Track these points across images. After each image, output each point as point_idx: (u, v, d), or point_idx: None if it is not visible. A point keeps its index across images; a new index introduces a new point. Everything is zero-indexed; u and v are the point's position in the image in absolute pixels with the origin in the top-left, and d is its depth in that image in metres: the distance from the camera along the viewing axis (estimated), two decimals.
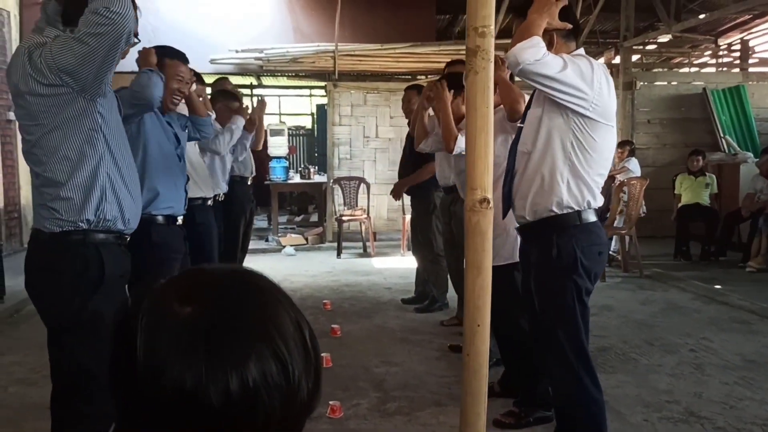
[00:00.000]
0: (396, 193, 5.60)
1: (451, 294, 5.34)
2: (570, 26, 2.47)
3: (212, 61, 8.37)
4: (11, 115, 7.98)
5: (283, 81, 12.83)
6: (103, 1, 1.96)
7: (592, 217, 2.49)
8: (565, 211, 2.44)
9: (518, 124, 2.68)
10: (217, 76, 7.02)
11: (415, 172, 5.33)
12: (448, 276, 5.17)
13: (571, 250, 2.43)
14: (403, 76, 9.18)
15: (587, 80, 2.32)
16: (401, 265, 7.56)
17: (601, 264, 2.61)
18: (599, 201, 2.52)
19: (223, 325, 0.67)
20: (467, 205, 1.52)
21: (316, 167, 10.71)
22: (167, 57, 3.19)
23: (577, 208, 2.45)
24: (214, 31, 7.99)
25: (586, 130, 2.38)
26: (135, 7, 2.24)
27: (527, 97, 2.76)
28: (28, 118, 2.14)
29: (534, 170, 2.48)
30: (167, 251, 3.11)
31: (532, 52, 2.23)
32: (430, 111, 4.53)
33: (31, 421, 3.45)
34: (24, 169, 8.34)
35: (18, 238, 8.18)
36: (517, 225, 2.71)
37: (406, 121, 5.54)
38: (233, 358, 0.66)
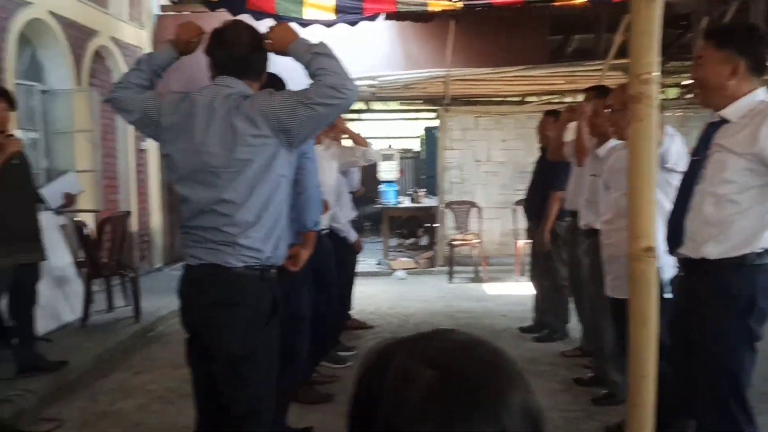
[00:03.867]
0: (543, 244, 5.24)
1: (573, 323, 5.23)
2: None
3: None
4: (143, 145, 8.55)
5: (393, 105, 13.06)
6: (339, 78, 2.18)
7: None
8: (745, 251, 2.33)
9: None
10: None
11: (542, 193, 5.25)
12: (570, 305, 5.05)
13: (750, 291, 2.31)
14: (514, 99, 9.13)
15: None
16: (515, 291, 7.45)
17: None
18: None
19: (462, 395, 0.70)
20: (631, 253, 1.50)
21: (425, 190, 10.77)
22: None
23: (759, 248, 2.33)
24: None
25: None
26: (261, 38, 2.39)
27: None
28: (224, 166, 2.26)
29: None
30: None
31: None
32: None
33: None
34: (155, 196, 8.90)
35: (148, 260, 8.71)
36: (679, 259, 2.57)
37: (539, 146, 5.50)
38: (464, 427, 0.69)
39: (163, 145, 2.40)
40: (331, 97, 2.17)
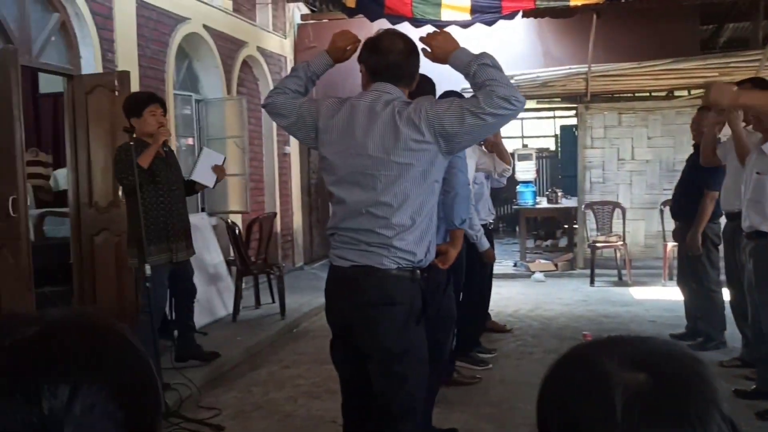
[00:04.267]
0: (694, 247, 4.90)
1: (731, 332, 4.89)
2: None
3: (464, 90, 8.59)
4: (287, 149, 8.92)
5: (528, 104, 12.81)
6: (510, 90, 2.20)
7: None
8: None
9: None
10: None
11: (690, 192, 4.96)
12: (725, 311, 4.73)
13: None
14: (660, 94, 8.67)
15: None
16: (663, 296, 7.07)
17: None
18: None
19: (673, 401, 0.68)
20: None
21: (563, 190, 10.47)
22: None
23: None
24: None
25: None
26: (414, 46, 2.43)
27: None
28: (383, 168, 2.33)
29: None
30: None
31: None
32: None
33: None
34: (296, 197, 9.27)
35: (291, 258, 9.08)
36: None
37: (692, 143, 5.21)
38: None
39: (320, 148, 2.47)
40: (503, 108, 2.18)
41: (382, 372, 2.38)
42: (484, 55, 2.28)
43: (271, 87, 8.54)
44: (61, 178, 7.28)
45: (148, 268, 3.96)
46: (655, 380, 0.69)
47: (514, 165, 9.25)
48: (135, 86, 5.67)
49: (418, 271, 2.40)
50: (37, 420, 0.58)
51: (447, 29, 6.97)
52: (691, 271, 5.08)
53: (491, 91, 2.19)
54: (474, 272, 4.63)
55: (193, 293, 4.82)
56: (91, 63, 5.38)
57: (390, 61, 2.39)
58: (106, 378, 0.63)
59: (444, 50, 2.35)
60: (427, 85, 2.93)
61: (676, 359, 0.72)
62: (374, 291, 2.34)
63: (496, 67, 2.25)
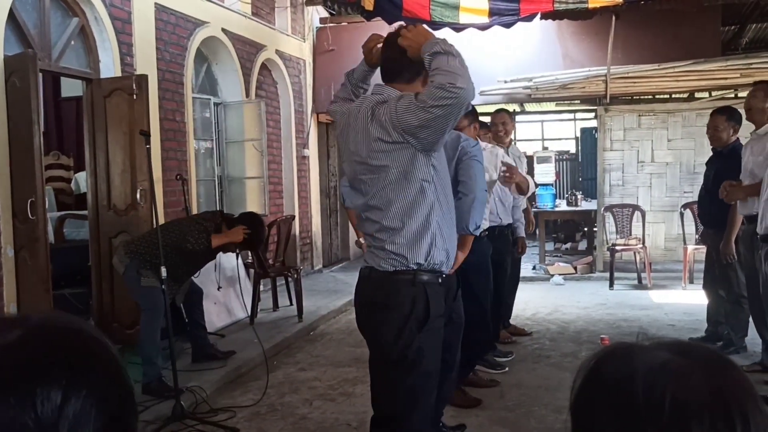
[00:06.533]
0: (728, 255, 4.76)
1: (751, 336, 4.82)
2: None
3: (481, 93, 8.57)
4: (305, 152, 8.95)
5: (547, 107, 12.73)
6: (448, 77, 2.08)
7: None
8: None
9: None
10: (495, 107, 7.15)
11: (721, 202, 4.87)
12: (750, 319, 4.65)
13: None
14: (681, 96, 8.57)
15: None
16: (684, 299, 6.97)
17: None
18: None
19: (737, 407, 0.68)
20: None
21: (582, 193, 10.38)
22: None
23: None
24: (485, 63, 8.15)
25: None
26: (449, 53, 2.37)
27: None
28: (368, 173, 2.33)
29: None
30: None
31: None
32: None
33: None
34: (315, 200, 9.29)
35: (309, 261, 9.10)
36: None
37: (711, 147, 5.12)
38: None
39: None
40: (442, 98, 2.08)
41: (375, 373, 2.42)
42: (435, 42, 2.18)
43: (290, 90, 8.65)
44: (82, 181, 7.37)
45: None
46: (725, 384, 0.70)
47: (532, 167, 9.24)
48: (153, 89, 5.73)
49: (425, 275, 2.34)
50: (32, 423, 0.58)
51: (464, 32, 6.98)
52: (721, 277, 4.98)
53: (431, 81, 2.13)
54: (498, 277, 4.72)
55: (199, 292, 4.98)
56: (110, 67, 5.44)
57: (386, 60, 2.39)
58: (93, 380, 0.63)
59: (416, 44, 2.23)
60: None
61: (733, 365, 0.74)
62: (373, 292, 2.38)
63: (448, 53, 2.13)
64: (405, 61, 2.33)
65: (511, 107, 11.06)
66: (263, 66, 8.06)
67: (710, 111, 5.14)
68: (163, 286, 3.96)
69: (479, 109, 7.84)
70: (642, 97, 8.90)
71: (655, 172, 8.53)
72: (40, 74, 4.62)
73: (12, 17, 4.63)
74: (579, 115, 14.90)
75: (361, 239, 2.72)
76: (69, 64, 5.30)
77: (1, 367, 0.61)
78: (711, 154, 5.16)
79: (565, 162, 14.59)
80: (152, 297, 4.20)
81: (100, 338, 0.69)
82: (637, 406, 0.69)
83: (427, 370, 2.37)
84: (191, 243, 4.32)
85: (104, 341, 0.69)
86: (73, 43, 5.31)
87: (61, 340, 0.65)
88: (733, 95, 8.39)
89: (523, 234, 5.56)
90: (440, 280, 2.41)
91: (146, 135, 4.14)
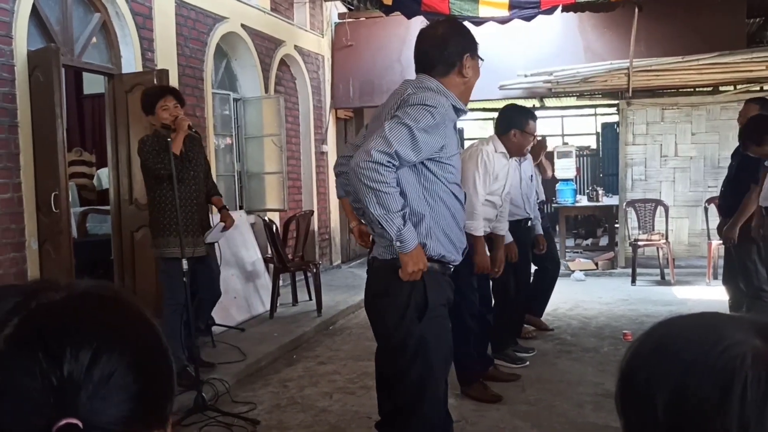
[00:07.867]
0: (729, 238, 4.81)
1: None
2: None
3: (501, 87, 8.51)
4: (324, 148, 8.95)
5: (568, 101, 12.61)
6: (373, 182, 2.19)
7: None
8: None
9: None
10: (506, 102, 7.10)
11: (738, 188, 4.81)
12: None
13: None
14: (705, 89, 8.43)
15: None
16: (707, 295, 6.89)
17: None
18: None
19: None
20: None
21: (603, 189, 10.28)
22: None
23: None
24: (504, 57, 8.09)
25: None
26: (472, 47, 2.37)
27: None
28: None
29: None
30: None
31: None
32: None
33: (354, 428, 3.77)
34: (334, 196, 9.28)
35: (328, 257, 9.11)
36: None
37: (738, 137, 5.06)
38: None
39: None
40: (372, 166, 2.19)
41: (384, 362, 2.43)
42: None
43: (309, 86, 8.65)
44: (104, 177, 7.43)
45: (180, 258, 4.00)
46: None
47: (553, 162, 9.15)
48: (174, 85, 5.74)
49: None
50: (56, 381, 0.58)
51: (484, 25, 6.90)
52: (740, 270, 4.91)
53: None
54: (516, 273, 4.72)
55: (215, 296, 4.69)
56: (131, 62, 5.47)
57: (419, 50, 2.37)
58: (126, 348, 0.63)
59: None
60: None
61: None
62: (375, 280, 2.42)
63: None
64: (441, 50, 2.35)
65: (530, 102, 10.98)
66: (282, 61, 8.06)
67: (735, 104, 5.09)
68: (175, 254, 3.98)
69: (498, 105, 7.81)
70: (665, 90, 8.78)
71: (678, 166, 8.41)
72: (63, 69, 4.65)
73: (35, 12, 4.67)
74: (599, 110, 14.75)
75: (353, 224, 2.70)
76: (91, 59, 5.34)
77: (37, 324, 0.61)
78: (736, 145, 5.08)
79: (585, 157, 14.45)
80: (170, 273, 4.12)
81: (144, 313, 0.69)
82: (709, 366, 0.66)
83: (432, 361, 2.35)
84: (162, 167, 4.07)
85: (146, 314, 0.69)
86: (95, 39, 5.35)
87: (99, 306, 0.66)
88: (758, 88, 8.25)
89: (540, 231, 5.27)
90: (440, 268, 2.41)
91: (197, 134, 4.27)
